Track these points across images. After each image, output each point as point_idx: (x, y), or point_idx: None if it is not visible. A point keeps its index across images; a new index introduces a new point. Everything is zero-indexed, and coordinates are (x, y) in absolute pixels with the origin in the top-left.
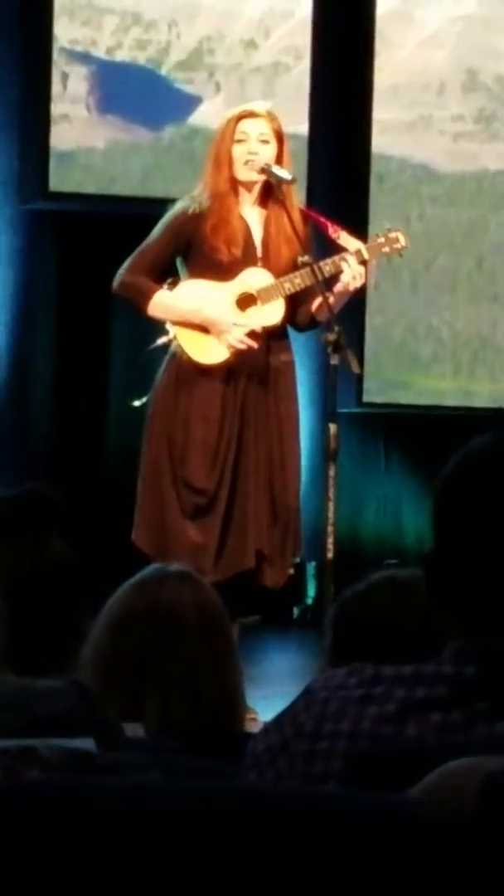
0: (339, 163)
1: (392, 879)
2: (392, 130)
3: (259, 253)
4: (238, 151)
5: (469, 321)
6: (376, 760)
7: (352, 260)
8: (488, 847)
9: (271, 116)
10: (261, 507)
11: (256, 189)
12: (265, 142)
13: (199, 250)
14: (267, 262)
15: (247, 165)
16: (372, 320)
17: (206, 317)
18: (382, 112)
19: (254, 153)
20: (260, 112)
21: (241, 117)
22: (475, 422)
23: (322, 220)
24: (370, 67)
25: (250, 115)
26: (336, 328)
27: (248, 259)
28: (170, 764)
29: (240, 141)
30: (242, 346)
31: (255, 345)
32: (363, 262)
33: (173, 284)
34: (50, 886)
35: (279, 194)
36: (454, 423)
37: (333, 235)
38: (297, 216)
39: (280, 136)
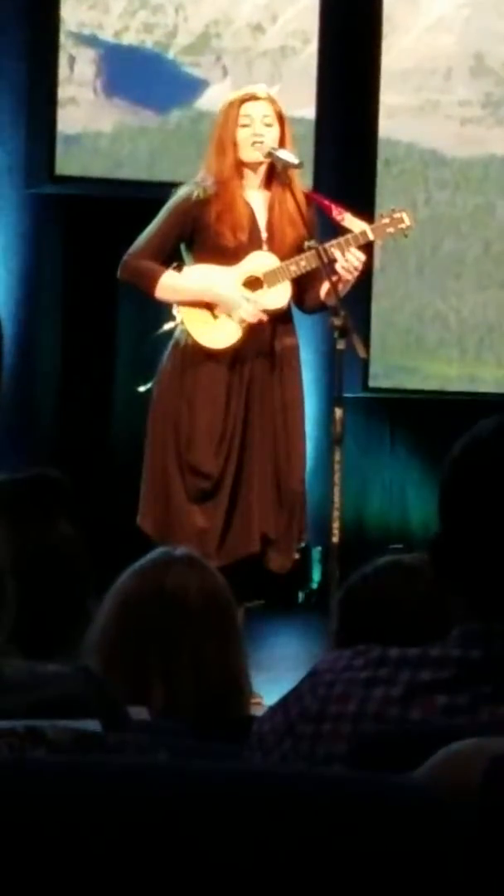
0: (346, 147)
1: (396, 861)
2: (399, 115)
3: (264, 236)
4: (243, 135)
5: (475, 306)
6: (381, 742)
7: (351, 253)
8: (493, 829)
9: (271, 99)
10: (266, 491)
11: (262, 171)
12: (269, 125)
13: (203, 236)
14: (272, 245)
15: (254, 147)
16: (378, 305)
17: (217, 294)
18: (390, 96)
19: (259, 135)
20: (261, 95)
21: (243, 101)
22: (481, 407)
23: (326, 202)
24: (377, 51)
25: (252, 98)
26: (342, 313)
27: (253, 243)
28: (175, 746)
29: (244, 125)
30: (255, 320)
31: (265, 318)
32: (368, 244)
33: (178, 269)
34: (54, 865)
35: (284, 178)
36: (460, 408)
37: (338, 218)
38: (300, 198)
39: (282, 119)
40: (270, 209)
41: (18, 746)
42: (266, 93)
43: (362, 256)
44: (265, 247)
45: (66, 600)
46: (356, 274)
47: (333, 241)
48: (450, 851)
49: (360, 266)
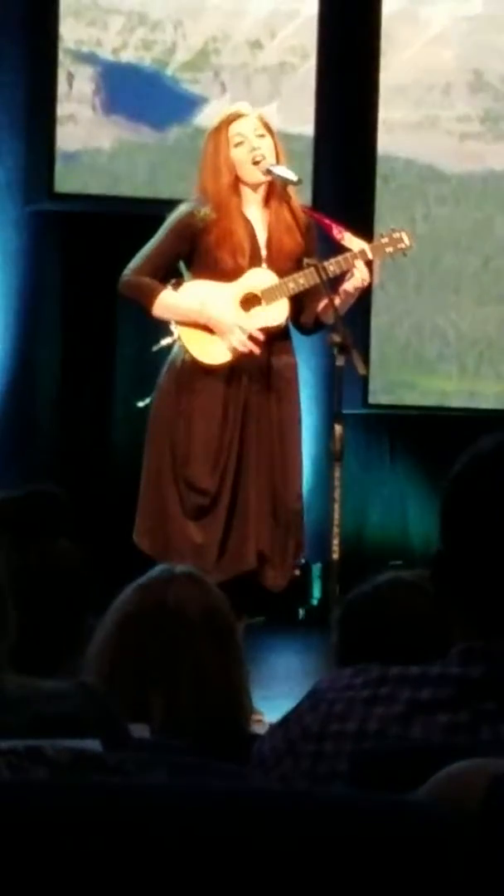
0: (345, 163)
1: (397, 880)
2: (398, 130)
3: (263, 253)
4: (240, 154)
5: (475, 321)
6: (382, 761)
7: (360, 264)
8: (494, 848)
9: (257, 113)
10: (262, 508)
11: (262, 189)
12: (262, 135)
13: (203, 258)
14: (271, 262)
15: (257, 166)
16: (377, 321)
17: (210, 317)
18: (388, 112)
19: (257, 149)
20: (246, 111)
21: (229, 121)
22: (481, 422)
23: (326, 221)
24: (376, 67)
25: (238, 116)
26: (341, 329)
27: (252, 261)
28: (176, 764)
29: (238, 144)
30: (244, 350)
31: (256, 350)
32: (368, 263)
33: (177, 285)
34: (55, 885)
35: (284, 195)
36: (460, 423)
37: (338, 236)
38: (299, 213)
39: (271, 130)
40: (270, 226)
41: (19, 766)
42: (250, 109)
43: (367, 273)
44: (264, 264)
45: (66, 617)
46: (365, 286)
47: (332, 260)
48: (451, 871)
49: (368, 279)
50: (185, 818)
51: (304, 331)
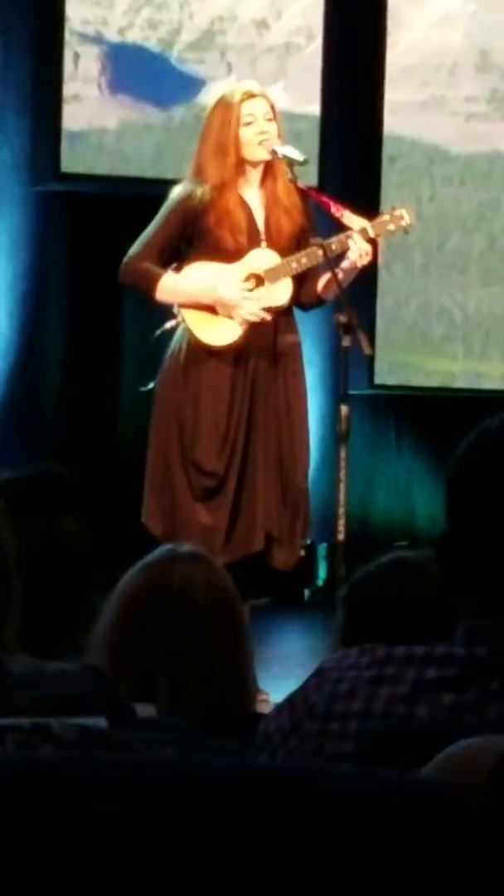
0: (351, 143)
1: (403, 858)
2: (404, 111)
3: (262, 234)
4: (248, 133)
5: (481, 302)
6: (388, 740)
7: (358, 238)
8: (498, 827)
9: (265, 94)
10: (270, 488)
11: (260, 168)
12: (270, 119)
13: (203, 239)
14: (270, 241)
15: (261, 145)
16: (383, 301)
17: (217, 296)
18: (394, 92)
19: (265, 132)
20: (258, 91)
21: (242, 100)
22: (486, 403)
23: (324, 199)
24: (382, 47)
25: (251, 95)
26: (347, 309)
27: (252, 242)
28: (182, 743)
29: (247, 123)
30: (257, 319)
31: (268, 317)
32: (370, 241)
33: (179, 269)
34: (62, 861)
35: (282, 174)
36: (465, 404)
37: (337, 214)
38: (295, 185)
39: (276, 116)
40: (267, 206)
41: (25, 743)
42: (260, 89)
43: (370, 247)
44: (264, 244)
45: (72, 597)
46: (365, 262)
47: (334, 238)
48: (456, 849)
49: (369, 256)
50: (191, 795)
51: (304, 308)
